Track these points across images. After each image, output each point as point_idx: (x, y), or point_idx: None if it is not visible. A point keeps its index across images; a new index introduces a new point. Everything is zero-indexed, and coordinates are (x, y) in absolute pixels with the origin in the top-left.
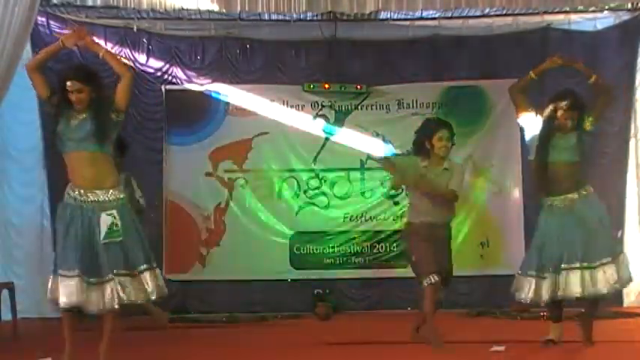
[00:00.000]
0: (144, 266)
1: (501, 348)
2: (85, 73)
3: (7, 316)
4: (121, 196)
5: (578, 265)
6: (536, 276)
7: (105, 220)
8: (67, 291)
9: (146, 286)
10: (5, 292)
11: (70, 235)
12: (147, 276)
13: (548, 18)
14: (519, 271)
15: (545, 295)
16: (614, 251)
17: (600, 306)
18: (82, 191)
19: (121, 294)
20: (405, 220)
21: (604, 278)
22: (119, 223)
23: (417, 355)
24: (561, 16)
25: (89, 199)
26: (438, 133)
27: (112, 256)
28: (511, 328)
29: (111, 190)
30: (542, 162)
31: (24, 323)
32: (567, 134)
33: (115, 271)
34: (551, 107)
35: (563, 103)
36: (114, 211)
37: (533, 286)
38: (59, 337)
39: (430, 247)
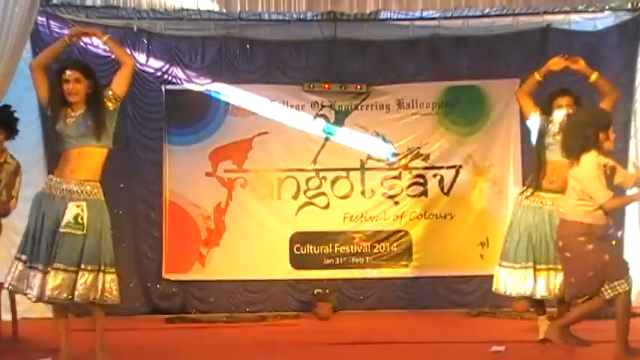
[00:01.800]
0: (101, 267)
1: (501, 348)
2: (85, 66)
3: (7, 316)
4: (95, 191)
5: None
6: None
7: (71, 209)
8: (14, 274)
9: (98, 286)
10: (5, 292)
11: (37, 223)
12: (102, 277)
13: (548, 18)
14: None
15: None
16: None
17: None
18: (57, 180)
19: (75, 289)
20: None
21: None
22: (85, 216)
23: (417, 355)
24: (561, 16)
25: (62, 187)
26: (611, 126)
27: (67, 248)
28: (511, 328)
29: (87, 184)
30: (538, 160)
31: (24, 323)
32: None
33: (82, 265)
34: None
35: (557, 101)
36: (83, 203)
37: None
38: (58, 338)
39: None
